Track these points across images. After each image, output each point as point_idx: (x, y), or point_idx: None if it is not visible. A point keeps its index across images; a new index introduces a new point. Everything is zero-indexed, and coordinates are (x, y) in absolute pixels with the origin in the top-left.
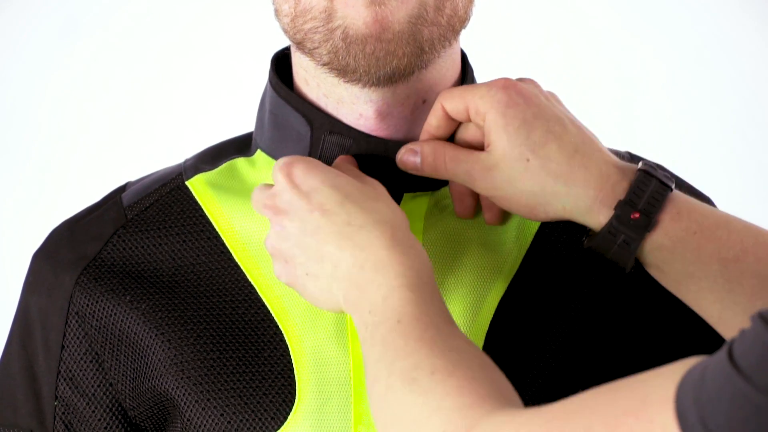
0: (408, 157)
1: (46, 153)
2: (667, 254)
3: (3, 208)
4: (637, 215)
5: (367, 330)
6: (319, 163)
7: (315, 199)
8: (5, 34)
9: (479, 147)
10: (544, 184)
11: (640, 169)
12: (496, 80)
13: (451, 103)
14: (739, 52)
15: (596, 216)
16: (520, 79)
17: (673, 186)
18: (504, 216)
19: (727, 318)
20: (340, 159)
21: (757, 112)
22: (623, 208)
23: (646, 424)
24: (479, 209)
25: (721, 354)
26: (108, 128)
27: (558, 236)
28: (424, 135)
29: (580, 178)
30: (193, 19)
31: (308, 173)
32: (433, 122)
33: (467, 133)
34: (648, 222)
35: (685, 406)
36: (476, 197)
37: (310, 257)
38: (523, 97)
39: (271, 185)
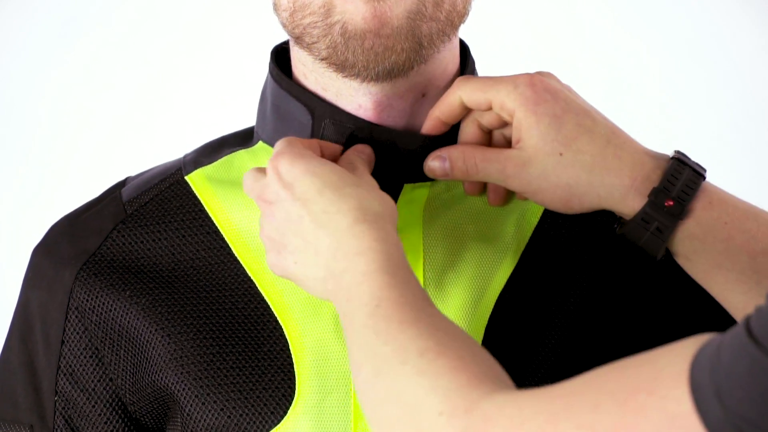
0: (436, 164)
1: (47, 150)
2: (697, 243)
3: (3, 205)
4: (671, 203)
5: (347, 318)
6: (307, 152)
7: (297, 189)
8: (5, 33)
9: (500, 137)
10: (578, 177)
11: (673, 158)
12: (519, 76)
13: (472, 95)
14: (736, 49)
15: (630, 204)
16: (540, 73)
17: (705, 175)
18: (507, 198)
19: None
20: (357, 147)
21: (754, 108)
22: (658, 195)
23: (659, 400)
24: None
25: (738, 328)
26: (108, 125)
27: (557, 230)
28: (433, 120)
29: (614, 167)
30: (193, 16)
31: (292, 163)
32: (446, 110)
33: (484, 119)
34: (681, 210)
35: (700, 379)
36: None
37: (296, 247)
38: (550, 93)
39: (263, 171)
